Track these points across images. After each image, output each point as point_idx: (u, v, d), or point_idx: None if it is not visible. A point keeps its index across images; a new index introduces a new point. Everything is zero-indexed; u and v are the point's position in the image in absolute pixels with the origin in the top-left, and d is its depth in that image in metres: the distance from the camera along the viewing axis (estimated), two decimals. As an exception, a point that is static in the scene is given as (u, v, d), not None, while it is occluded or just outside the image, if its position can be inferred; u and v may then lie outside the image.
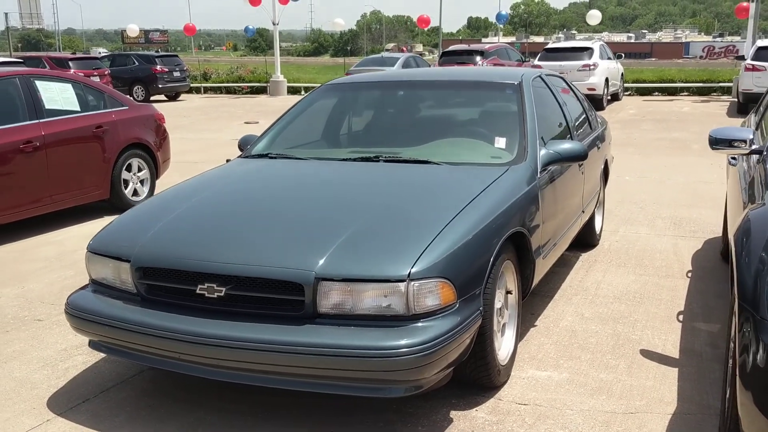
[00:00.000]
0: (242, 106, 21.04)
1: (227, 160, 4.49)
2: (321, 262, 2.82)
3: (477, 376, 3.24)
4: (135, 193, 7.58)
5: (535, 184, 3.79)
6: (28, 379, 3.63)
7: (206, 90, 26.82)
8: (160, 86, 22.16)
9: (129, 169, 7.48)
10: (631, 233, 6.27)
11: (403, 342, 2.68)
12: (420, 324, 2.77)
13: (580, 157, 4.04)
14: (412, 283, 2.75)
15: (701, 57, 67.13)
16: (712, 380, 3.45)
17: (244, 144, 4.65)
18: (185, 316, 2.93)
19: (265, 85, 25.95)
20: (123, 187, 7.38)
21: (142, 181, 7.69)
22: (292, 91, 25.86)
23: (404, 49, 75.94)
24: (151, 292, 3.10)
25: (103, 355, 3.82)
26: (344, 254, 2.87)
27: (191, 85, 24.90)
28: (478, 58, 18.74)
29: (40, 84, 6.66)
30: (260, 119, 16.71)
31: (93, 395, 3.42)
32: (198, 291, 2.94)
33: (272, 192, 3.71)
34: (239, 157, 4.47)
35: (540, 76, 4.84)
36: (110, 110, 7.32)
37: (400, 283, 2.75)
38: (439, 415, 3.16)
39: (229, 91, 26.51)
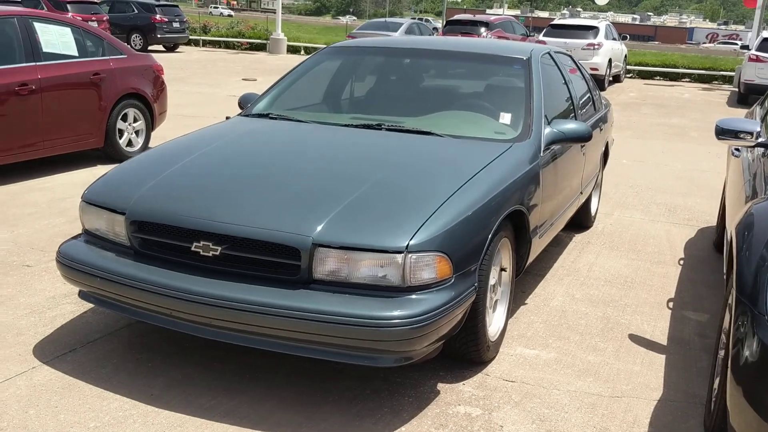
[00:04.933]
0: (241, 62, 20.79)
1: (227, 117, 4.42)
2: (319, 228, 2.79)
3: (466, 351, 3.23)
4: (129, 143, 7.48)
5: (537, 162, 3.76)
6: (14, 324, 3.60)
7: (205, 43, 26.46)
8: (158, 36, 21.81)
9: (125, 119, 7.36)
10: (625, 217, 6.26)
11: (396, 313, 2.67)
12: (414, 296, 2.75)
13: (583, 138, 4.00)
14: (410, 255, 2.73)
15: (704, 43, 66.90)
16: (699, 369, 3.46)
17: (245, 102, 4.58)
18: (179, 272, 2.90)
19: (264, 42, 25.65)
20: (117, 137, 7.27)
21: (137, 132, 7.58)
22: (292, 50, 25.57)
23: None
24: (144, 246, 3.06)
25: (91, 305, 3.80)
26: (343, 222, 2.84)
27: (190, 37, 24.56)
28: (482, 30, 18.53)
29: (38, 26, 6.52)
30: (258, 77, 16.53)
31: (80, 345, 3.40)
32: (193, 248, 2.90)
33: (272, 154, 3.66)
34: (239, 115, 4.41)
35: (549, 53, 4.78)
36: (108, 58, 7.19)
37: (397, 255, 2.72)
38: (426, 387, 3.16)
39: (228, 45, 26.18)
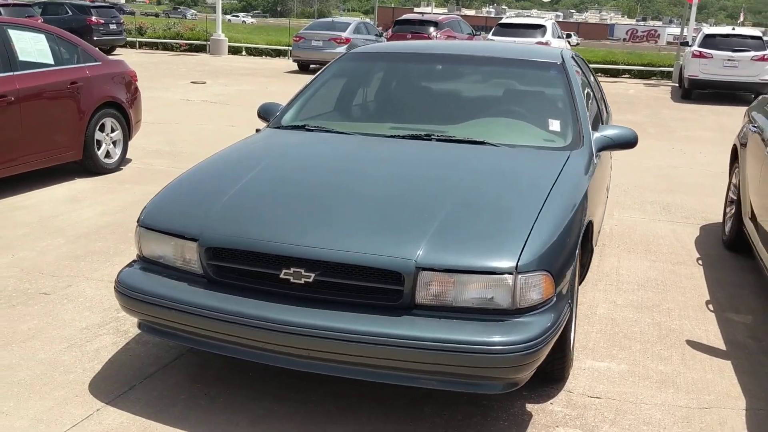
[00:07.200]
0: (184, 64, 20.22)
1: (257, 130, 4.20)
2: (420, 251, 2.65)
3: (552, 369, 3.14)
4: (107, 155, 7.10)
5: (593, 170, 3.70)
6: (56, 361, 3.31)
7: (141, 45, 25.64)
8: (95, 39, 20.89)
9: (102, 129, 6.99)
10: (626, 217, 6.31)
11: (508, 338, 2.55)
12: (523, 319, 2.64)
13: (631, 143, 3.95)
14: (520, 276, 2.61)
15: (624, 39, 68.96)
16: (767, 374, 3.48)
17: (267, 113, 4.35)
18: (267, 302, 2.71)
19: (204, 43, 25.05)
20: (96, 149, 6.90)
21: (114, 143, 7.20)
22: (233, 50, 25.05)
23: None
24: (220, 274, 2.85)
25: (132, 336, 3.56)
26: (442, 243, 2.70)
27: (126, 39, 23.74)
28: (431, 29, 18.55)
29: (13, 33, 6.11)
30: (207, 79, 16.05)
31: (137, 381, 3.15)
32: (282, 276, 2.71)
33: (334, 170, 3.46)
34: (269, 127, 4.20)
35: (573, 56, 4.74)
36: (84, 65, 6.80)
37: (507, 276, 2.60)
38: (515, 409, 3.06)
39: (166, 47, 25.44)
